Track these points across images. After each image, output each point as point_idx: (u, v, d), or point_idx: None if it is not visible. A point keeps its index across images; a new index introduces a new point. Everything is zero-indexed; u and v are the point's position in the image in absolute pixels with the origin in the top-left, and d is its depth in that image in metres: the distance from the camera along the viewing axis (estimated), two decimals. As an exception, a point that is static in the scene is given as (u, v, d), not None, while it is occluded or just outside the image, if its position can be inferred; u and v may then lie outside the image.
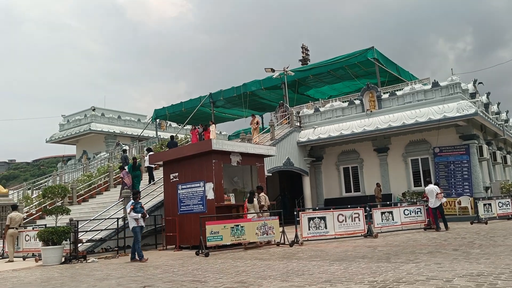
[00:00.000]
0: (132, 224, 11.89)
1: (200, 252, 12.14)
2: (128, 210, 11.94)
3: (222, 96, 29.22)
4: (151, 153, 19.84)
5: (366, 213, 14.36)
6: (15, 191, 26.03)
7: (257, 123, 23.26)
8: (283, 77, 25.50)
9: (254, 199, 13.64)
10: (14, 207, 15.55)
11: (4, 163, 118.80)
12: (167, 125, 39.08)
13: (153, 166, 19.22)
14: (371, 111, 22.13)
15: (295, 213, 13.73)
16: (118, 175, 20.15)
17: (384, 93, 22.56)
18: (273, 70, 26.16)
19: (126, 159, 21.17)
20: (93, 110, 36.96)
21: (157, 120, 34.60)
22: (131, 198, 12.47)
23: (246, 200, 13.88)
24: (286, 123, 24.17)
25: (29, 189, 25.92)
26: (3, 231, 14.97)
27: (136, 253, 11.71)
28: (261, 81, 27.53)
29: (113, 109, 39.17)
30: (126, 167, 18.21)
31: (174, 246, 14.28)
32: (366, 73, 25.61)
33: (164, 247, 14.63)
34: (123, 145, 29.58)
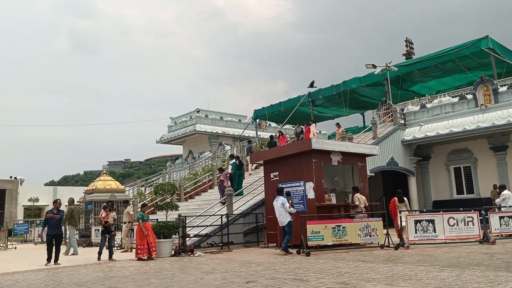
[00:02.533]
0: (287, 218, 12.50)
1: (301, 251, 12.12)
2: (287, 206, 12.47)
3: (321, 95, 28.91)
4: (233, 160, 20.21)
5: (481, 217, 13.17)
6: (130, 187, 28.46)
7: (343, 132, 22.57)
8: (386, 73, 24.46)
9: (405, 198, 13.99)
10: (126, 202, 17.04)
11: (121, 162, 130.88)
12: (267, 125, 39.77)
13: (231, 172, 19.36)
14: (486, 106, 20.25)
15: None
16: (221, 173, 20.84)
17: (501, 85, 20.50)
18: (374, 66, 25.22)
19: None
20: (198, 112, 38.95)
21: (257, 120, 35.38)
22: (283, 194, 12.87)
23: (395, 199, 13.82)
24: (389, 121, 23.13)
25: (142, 186, 28.13)
26: (122, 224, 16.42)
27: (286, 245, 12.35)
28: (361, 78, 26.70)
29: (215, 111, 40.92)
30: (230, 167, 18.86)
31: (275, 244, 14.44)
32: (480, 65, 23.50)
33: (266, 245, 14.86)
34: (225, 145, 30.74)
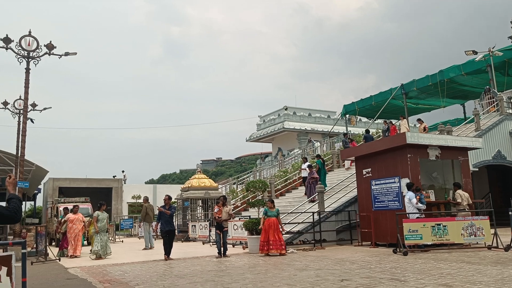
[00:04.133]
0: (415, 215, 12.16)
1: (398, 250, 11.60)
2: (414, 201, 12.17)
3: (415, 86, 27.39)
4: (307, 163, 19.79)
5: None
6: (222, 185, 29.47)
7: (425, 129, 21.00)
8: (488, 59, 22.47)
9: None
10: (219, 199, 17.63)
11: (213, 161, 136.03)
12: (357, 120, 38.74)
13: (306, 176, 18.93)
14: None
15: (510, 213, 11.91)
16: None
17: None
18: (475, 52, 23.29)
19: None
20: (286, 109, 39.14)
21: (347, 115, 34.58)
22: (412, 189, 12.44)
23: None
24: (494, 111, 21.22)
25: (234, 183, 28.97)
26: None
27: None
28: (460, 66, 24.80)
29: (303, 107, 40.81)
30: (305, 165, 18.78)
31: (369, 242, 14.01)
32: None
33: (360, 243, 14.47)
34: (314, 141, 30.49)
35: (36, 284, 8.36)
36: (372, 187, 14.30)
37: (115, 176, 40.15)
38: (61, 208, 20.40)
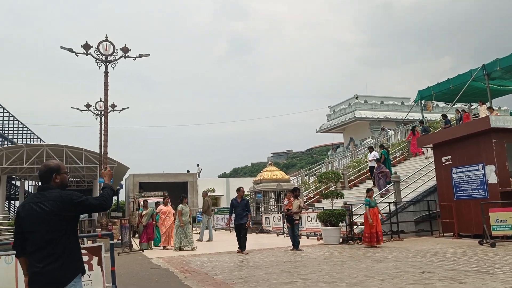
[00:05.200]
0: None
1: (484, 241, 10.88)
2: None
3: (498, 66, 25.29)
4: (374, 152, 18.86)
5: None
6: (294, 177, 29.41)
7: (489, 110, 19.12)
8: None
9: None
10: (291, 191, 17.57)
11: (284, 153, 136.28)
12: (434, 105, 36.76)
13: (374, 165, 18.00)
14: None
15: None
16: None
17: None
18: None
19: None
20: (356, 98, 38.11)
21: (422, 101, 32.89)
22: None
23: None
24: None
25: (305, 175, 28.81)
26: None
27: None
28: (550, 41, 22.55)
29: (375, 95, 39.47)
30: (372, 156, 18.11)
31: (452, 233, 13.29)
32: None
33: (441, 234, 13.77)
34: (388, 130, 29.42)
35: (123, 273, 8.91)
36: (453, 175, 13.53)
37: (189, 171, 41.66)
38: (141, 200, 21.51)
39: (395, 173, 16.52)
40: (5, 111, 40.31)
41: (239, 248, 11.92)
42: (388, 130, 29.47)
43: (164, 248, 14.34)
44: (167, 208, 14.96)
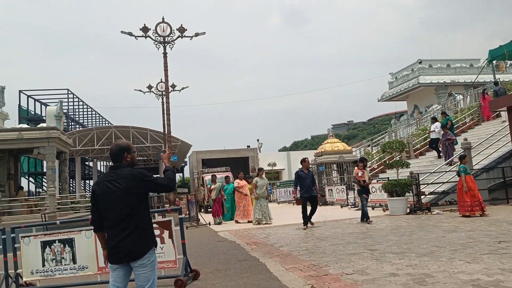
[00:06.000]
0: None
1: None
2: None
3: None
4: (437, 123, 17.57)
5: None
6: (356, 148, 28.82)
7: None
8: None
9: None
10: (355, 162, 17.23)
11: (344, 124, 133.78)
12: (506, 65, 34.14)
13: (439, 138, 16.75)
14: None
15: None
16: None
17: None
18: None
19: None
20: (420, 63, 36.23)
21: (493, 61, 30.63)
22: None
23: None
24: None
25: (368, 146, 28.10)
26: (353, 183, 16.81)
27: None
28: None
29: (440, 59, 37.29)
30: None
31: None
32: None
33: (518, 202, 12.96)
34: (456, 94, 27.82)
35: (192, 245, 9.25)
36: (531, 139, 12.57)
37: (249, 146, 42.12)
38: (207, 177, 22.10)
39: (465, 139, 15.63)
40: (74, 96, 42.71)
41: (305, 224, 11.08)
42: (456, 95, 27.84)
43: (236, 222, 14.25)
44: (243, 183, 14.79)
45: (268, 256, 7.39)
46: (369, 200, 12.99)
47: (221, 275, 6.30)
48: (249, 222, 13.90)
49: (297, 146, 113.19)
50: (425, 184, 13.71)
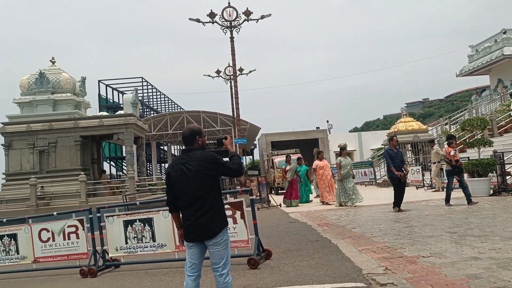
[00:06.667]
0: None
1: None
2: None
3: None
4: None
5: None
6: (432, 127, 27.40)
7: None
8: None
9: None
10: (431, 142, 16.40)
11: (419, 102, 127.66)
12: None
13: None
14: None
15: None
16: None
17: None
18: None
19: None
20: (504, 33, 33.34)
21: None
22: None
23: None
24: None
25: (446, 124, 26.61)
26: (429, 164, 16.06)
27: None
28: None
29: (527, 27, 34.06)
30: None
31: None
32: None
33: None
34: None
35: (264, 226, 9.39)
36: None
37: (319, 127, 41.62)
38: (277, 160, 22.23)
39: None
40: (148, 84, 44.66)
41: (397, 205, 10.16)
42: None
43: (323, 203, 13.74)
44: (323, 163, 14.17)
45: (340, 237, 7.31)
46: (442, 180, 12.15)
47: (293, 255, 6.34)
48: (324, 203, 13.61)
49: (368, 126, 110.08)
50: (511, 163, 12.74)
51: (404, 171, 10.42)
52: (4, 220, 8.39)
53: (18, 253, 7.55)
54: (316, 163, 14.35)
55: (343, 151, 12.89)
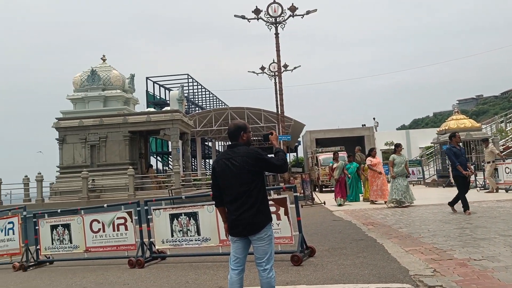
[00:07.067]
0: None
1: None
2: None
3: None
4: None
5: None
6: (486, 125, 26.17)
7: None
8: None
9: None
10: (485, 140, 15.64)
11: (472, 99, 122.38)
12: None
13: None
14: None
15: None
16: None
17: None
18: None
19: None
20: None
21: None
22: None
23: None
24: None
25: (501, 122, 25.35)
26: (483, 164, 15.35)
27: None
28: None
29: None
30: None
31: None
32: None
33: None
34: None
35: (307, 223, 9.32)
36: None
37: (365, 124, 40.78)
38: (321, 157, 22.02)
39: None
40: (194, 80, 45.44)
41: (466, 208, 9.28)
42: None
43: (372, 202, 13.22)
44: (377, 160, 13.52)
45: (385, 237, 7.13)
46: (499, 181, 11.61)
47: (336, 254, 6.25)
48: (373, 203, 13.15)
49: (417, 124, 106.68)
50: None
51: (469, 170, 9.61)
52: (59, 210, 8.84)
53: (71, 243, 7.92)
54: (369, 160, 13.63)
55: (397, 148, 12.37)
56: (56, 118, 21.06)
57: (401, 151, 12.36)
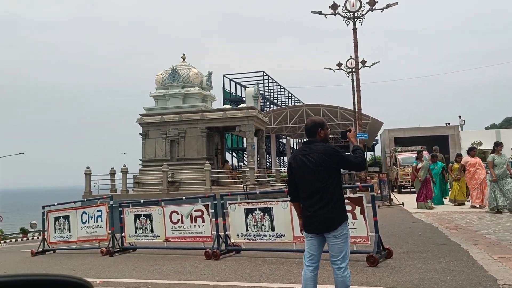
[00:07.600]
0: None
1: None
2: None
3: None
4: None
5: None
6: None
7: None
8: None
9: None
10: None
11: None
12: None
13: None
14: None
15: None
16: None
17: None
18: None
19: None
20: None
21: None
22: None
23: None
24: None
25: None
26: None
27: None
28: None
29: None
30: None
31: None
32: None
33: None
34: None
35: (384, 224, 9.00)
36: None
37: (449, 123, 38.46)
38: (400, 156, 21.11)
39: None
40: (269, 77, 45.76)
41: None
42: None
43: (473, 207, 12.00)
44: (475, 160, 12.27)
45: (471, 242, 6.67)
46: None
47: (416, 257, 5.97)
48: (475, 207, 11.93)
49: (509, 123, 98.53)
50: None
51: None
52: (141, 201, 9.36)
53: (152, 232, 8.36)
54: (466, 159, 12.45)
55: (497, 147, 11.02)
56: (140, 114, 22.29)
57: (501, 150, 10.98)
